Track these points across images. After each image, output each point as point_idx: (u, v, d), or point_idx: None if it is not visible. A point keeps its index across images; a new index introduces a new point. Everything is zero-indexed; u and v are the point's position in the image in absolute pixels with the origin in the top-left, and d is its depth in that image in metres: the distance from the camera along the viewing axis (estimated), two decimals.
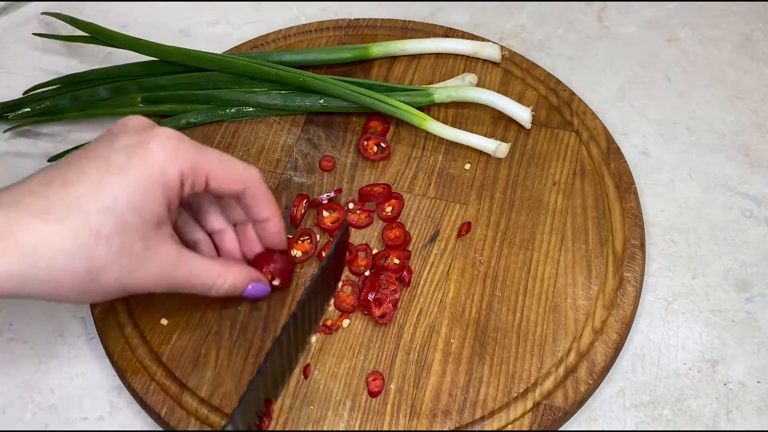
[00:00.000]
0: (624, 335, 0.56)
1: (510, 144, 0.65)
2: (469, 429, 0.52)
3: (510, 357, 0.54)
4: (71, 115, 0.69)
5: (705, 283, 0.60)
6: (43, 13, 0.76)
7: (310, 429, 0.52)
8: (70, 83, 0.69)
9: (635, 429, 0.54)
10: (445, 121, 0.66)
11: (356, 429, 0.52)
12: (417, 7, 0.79)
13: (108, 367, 0.56)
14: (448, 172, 0.64)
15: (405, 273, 0.58)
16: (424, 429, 0.52)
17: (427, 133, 0.66)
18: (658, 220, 0.64)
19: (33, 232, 0.43)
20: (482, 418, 0.52)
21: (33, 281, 0.44)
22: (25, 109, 0.68)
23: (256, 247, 0.56)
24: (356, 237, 0.60)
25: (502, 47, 0.71)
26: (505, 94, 0.67)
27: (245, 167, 0.52)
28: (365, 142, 0.65)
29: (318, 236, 0.60)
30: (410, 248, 0.60)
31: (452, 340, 0.55)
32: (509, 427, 0.52)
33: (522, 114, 0.65)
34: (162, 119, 0.68)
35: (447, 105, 0.68)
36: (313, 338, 0.55)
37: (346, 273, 0.58)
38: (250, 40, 0.73)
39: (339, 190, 0.62)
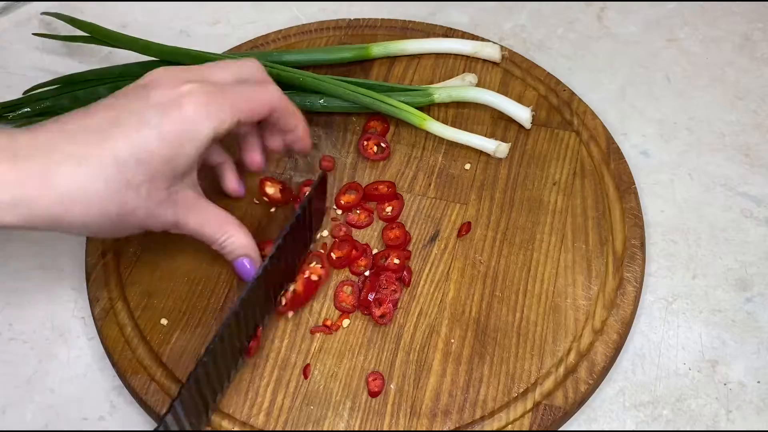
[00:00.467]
0: (624, 335, 0.56)
1: (510, 144, 0.65)
2: (469, 429, 0.52)
3: (510, 357, 0.54)
4: None
5: (705, 283, 0.60)
6: (42, 13, 0.76)
7: (310, 429, 0.52)
8: (69, 83, 0.69)
9: (635, 429, 0.54)
10: (445, 121, 0.66)
11: (356, 429, 0.52)
12: (417, 7, 0.79)
13: (108, 367, 0.56)
14: (448, 172, 0.64)
15: (405, 273, 0.58)
16: (424, 429, 0.52)
17: (427, 133, 0.66)
18: (658, 220, 0.64)
19: (70, 178, 0.47)
20: (482, 418, 0.52)
21: (66, 220, 0.48)
22: (25, 109, 0.68)
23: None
24: (356, 237, 0.60)
25: (502, 47, 0.71)
26: (505, 94, 0.67)
27: (265, 91, 0.54)
28: (365, 142, 0.65)
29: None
30: (410, 248, 0.60)
31: (452, 340, 0.55)
32: (509, 427, 0.52)
33: (522, 114, 0.65)
34: None
35: (447, 105, 0.68)
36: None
37: (346, 273, 0.58)
38: (250, 40, 0.73)
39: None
